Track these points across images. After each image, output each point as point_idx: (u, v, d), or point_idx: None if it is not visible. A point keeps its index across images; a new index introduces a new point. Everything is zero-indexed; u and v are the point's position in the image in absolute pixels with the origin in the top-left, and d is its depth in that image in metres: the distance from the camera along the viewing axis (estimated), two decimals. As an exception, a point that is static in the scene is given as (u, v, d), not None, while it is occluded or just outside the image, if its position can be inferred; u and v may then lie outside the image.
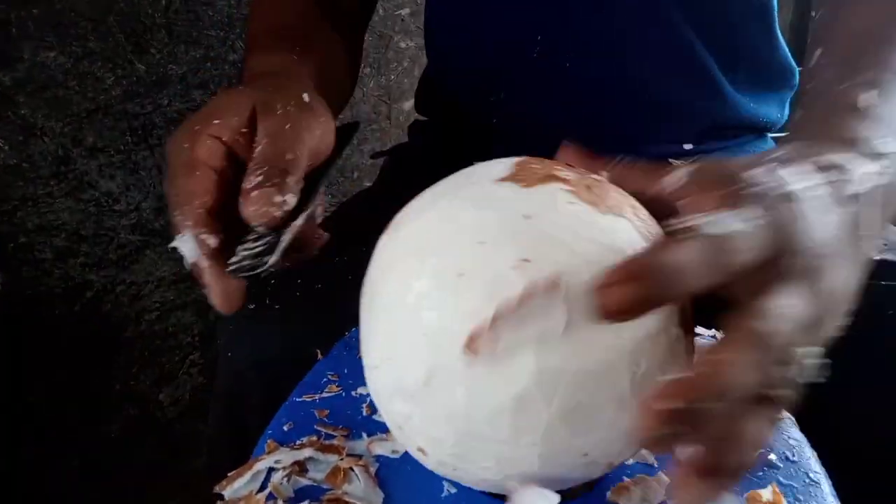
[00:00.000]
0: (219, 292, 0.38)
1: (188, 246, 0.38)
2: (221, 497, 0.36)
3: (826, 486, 0.36)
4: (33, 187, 0.87)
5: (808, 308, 0.29)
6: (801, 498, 0.35)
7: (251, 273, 0.37)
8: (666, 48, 0.66)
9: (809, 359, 0.29)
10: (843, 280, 0.31)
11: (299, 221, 0.38)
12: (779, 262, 0.29)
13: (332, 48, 0.65)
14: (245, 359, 0.55)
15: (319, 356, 0.49)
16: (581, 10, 0.65)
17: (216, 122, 0.40)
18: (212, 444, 0.61)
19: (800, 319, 0.28)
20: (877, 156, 0.36)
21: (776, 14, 0.70)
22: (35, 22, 0.81)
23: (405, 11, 1.09)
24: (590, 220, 0.29)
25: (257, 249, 0.37)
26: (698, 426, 0.25)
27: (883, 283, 0.53)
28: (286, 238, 0.37)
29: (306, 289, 0.57)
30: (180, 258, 0.97)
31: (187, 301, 1.03)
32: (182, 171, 0.39)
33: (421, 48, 1.11)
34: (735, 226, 0.28)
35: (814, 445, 0.40)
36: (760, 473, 0.36)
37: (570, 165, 0.34)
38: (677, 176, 0.33)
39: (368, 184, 0.94)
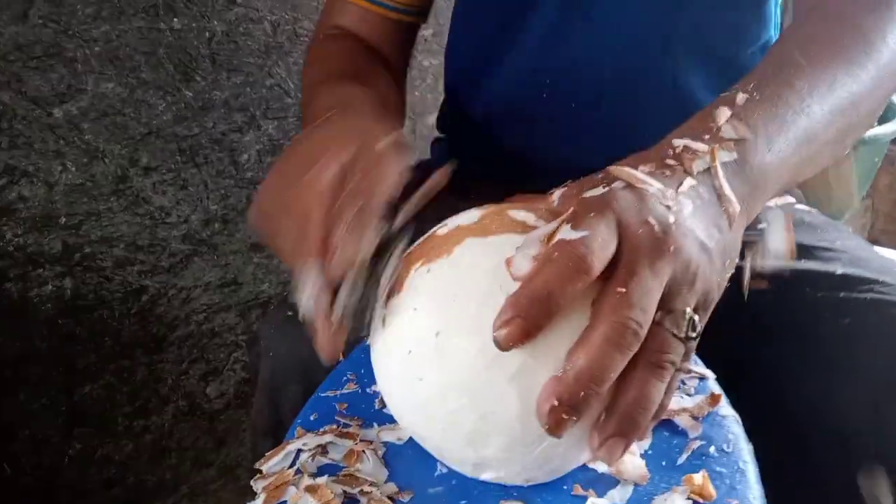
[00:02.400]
0: (328, 343, 0.40)
1: (308, 292, 0.39)
2: (261, 472, 0.44)
3: (752, 475, 0.41)
4: (96, 203, 0.95)
5: (653, 281, 0.34)
6: (729, 482, 0.40)
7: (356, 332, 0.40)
8: (668, 94, 0.71)
9: (676, 322, 0.34)
10: (689, 247, 0.36)
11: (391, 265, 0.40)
12: (619, 252, 0.34)
13: (386, 83, 0.71)
14: (283, 358, 0.62)
15: (341, 358, 0.57)
16: (587, 59, 0.70)
17: (323, 169, 0.43)
18: (255, 430, 0.69)
19: (647, 292, 0.33)
20: (728, 139, 0.42)
21: None
22: (96, 57, 0.90)
23: (428, 32, 1.17)
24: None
25: (354, 299, 0.39)
26: (581, 411, 0.32)
27: (841, 294, 0.59)
28: (383, 283, 0.39)
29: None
30: (225, 265, 1.08)
31: (231, 304, 1.12)
32: (309, 223, 0.41)
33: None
34: (579, 234, 0.34)
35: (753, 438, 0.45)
36: (698, 462, 0.42)
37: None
38: (555, 196, 0.40)
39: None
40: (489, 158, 0.80)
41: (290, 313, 0.64)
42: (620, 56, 0.69)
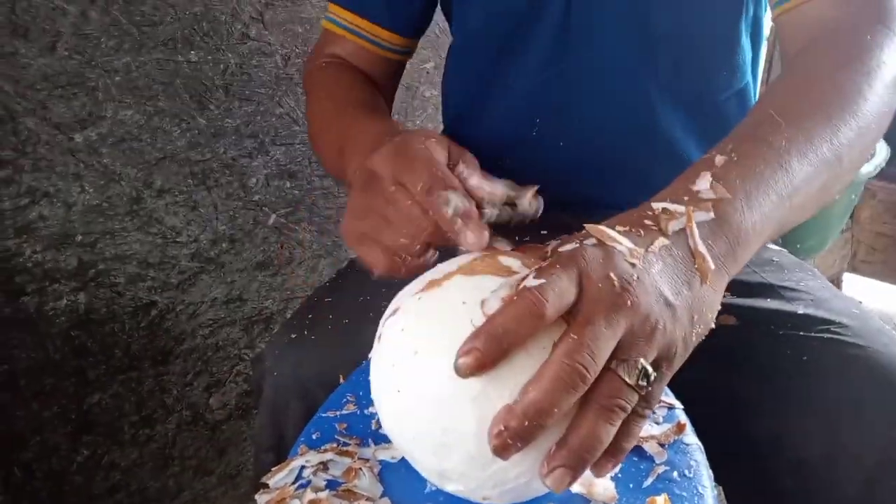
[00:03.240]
0: (475, 230, 0.47)
1: (458, 200, 0.47)
2: (266, 486, 0.49)
3: (710, 499, 0.46)
4: (111, 223, 0.99)
5: (606, 330, 0.36)
6: None
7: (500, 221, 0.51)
8: (650, 134, 0.75)
9: (628, 370, 0.37)
10: (649, 302, 0.38)
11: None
12: (579, 303, 0.38)
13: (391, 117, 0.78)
14: (286, 378, 0.65)
15: (341, 380, 0.62)
16: (573, 101, 0.75)
17: (439, 143, 0.52)
18: (257, 445, 0.73)
19: (598, 339, 0.36)
20: (708, 200, 0.44)
21: (753, 99, 0.78)
22: (116, 87, 0.95)
23: (430, 65, 1.22)
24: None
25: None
26: (525, 439, 0.36)
27: (801, 332, 0.64)
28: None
29: (335, 322, 0.67)
30: (231, 282, 1.14)
31: (236, 319, 1.17)
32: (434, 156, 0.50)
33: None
34: (540, 282, 0.37)
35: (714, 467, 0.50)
36: (661, 485, 0.46)
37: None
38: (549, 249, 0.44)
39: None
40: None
41: (293, 336, 0.67)
42: (604, 99, 0.74)
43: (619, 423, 0.38)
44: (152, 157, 1.01)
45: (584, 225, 0.42)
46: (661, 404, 0.56)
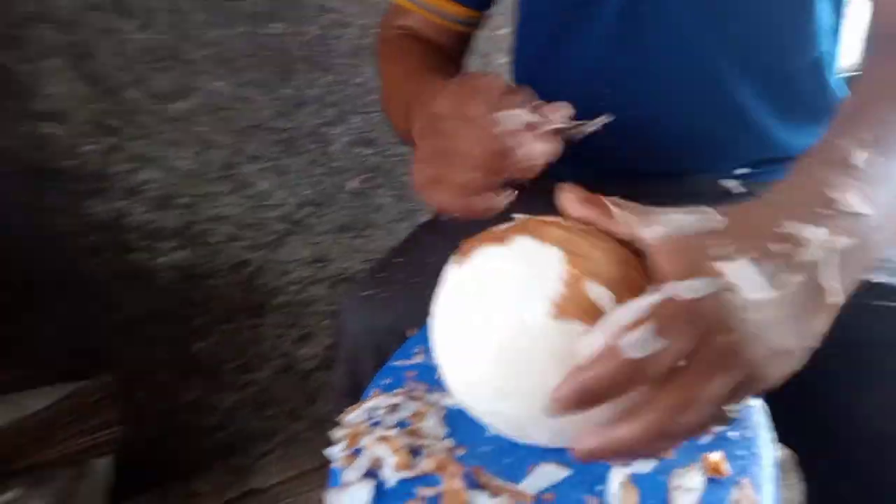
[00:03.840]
0: (544, 139, 0.49)
1: (523, 114, 0.47)
2: (340, 424, 0.54)
3: (768, 459, 0.44)
4: (208, 186, 1.07)
5: (720, 390, 0.34)
6: (743, 464, 0.44)
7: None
8: (721, 102, 0.73)
9: (721, 411, 0.35)
10: (766, 360, 0.35)
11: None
12: (697, 351, 0.34)
13: None
14: (360, 331, 0.69)
15: (408, 334, 0.66)
16: (643, 67, 0.74)
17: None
18: (337, 392, 0.76)
19: (710, 400, 0.34)
20: (852, 216, 0.38)
21: (832, 67, 0.75)
22: (208, 59, 1.01)
23: (504, 31, 1.23)
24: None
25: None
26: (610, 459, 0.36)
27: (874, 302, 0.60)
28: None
29: (406, 282, 0.70)
30: (316, 244, 1.20)
31: (322, 277, 1.24)
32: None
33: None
34: (653, 345, 0.34)
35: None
36: (718, 444, 0.45)
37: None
38: (651, 234, 0.40)
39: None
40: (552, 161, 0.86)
41: (367, 293, 0.72)
42: (675, 65, 0.73)
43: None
44: (242, 125, 1.07)
45: (713, 263, 0.36)
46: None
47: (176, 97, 1.02)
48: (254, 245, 1.15)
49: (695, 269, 0.36)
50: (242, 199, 1.12)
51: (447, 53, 0.84)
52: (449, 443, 0.50)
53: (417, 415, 0.54)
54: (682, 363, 0.34)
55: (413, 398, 0.56)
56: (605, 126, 0.79)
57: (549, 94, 0.81)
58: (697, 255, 0.37)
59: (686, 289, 0.36)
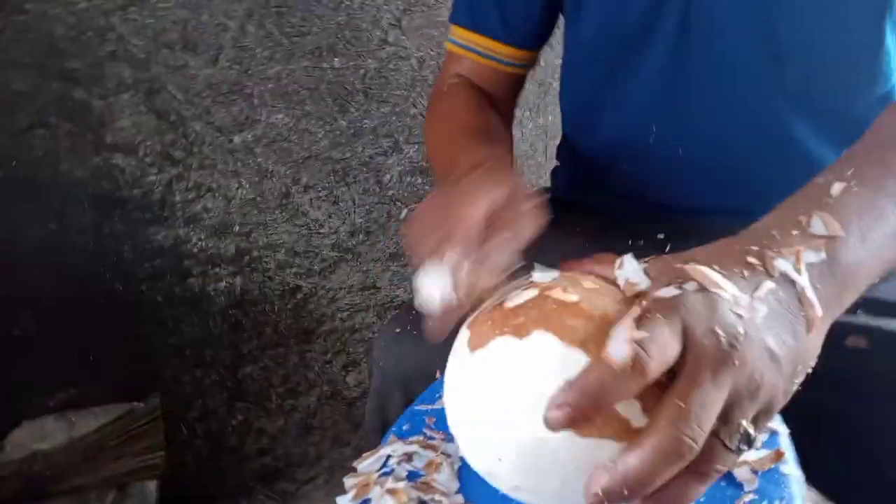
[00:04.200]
0: (439, 325, 0.45)
1: (441, 279, 0.43)
2: (355, 469, 0.54)
3: None
4: (264, 215, 1.11)
5: (715, 393, 0.33)
6: None
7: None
8: (777, 143, 0.70)
9: (730, 434, 0.34)
10: (756, 358, 0.34)
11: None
12: (683, 360, 0.34)
13: (504, 132, 0.79)
14: (390, 369, 0.69)
15: (438, 375, 0.65)
16: (692, 108, 0.72)
17: (484, 196, 0.48)
18: (365, 429, 0.76)
19: (707, 406, 0.33)
20: (818, 237, 0.40)
21: None
22: (269, 92, 1.05)
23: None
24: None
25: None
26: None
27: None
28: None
29: None
30: (366, 271, 1.21)
31: (370, 304, 1.25)
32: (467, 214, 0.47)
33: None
34: (643, 335, 0.33)
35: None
36: None
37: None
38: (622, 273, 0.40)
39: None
40: (600, 194, 0.84)
41: (398, 330, 0.72)
42: (725, 107, 0.70)
43: (710, 483, 0.36)
44: (299, 155, 1.11)
45: (684, 266, 0.38)
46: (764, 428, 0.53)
47: (238, 130, 1.06)
48: (305, 272, 1.18)
49: (672, 279, 0.37)
50: (296, 227, 1.15)
51: (499, 100, 0.84)
52: (459, 498, 0.49)
53: (431, 465, 0.53)
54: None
55: (429, 447, 0.55)
56: (654, 165, 0.78)
57: (597, 134, 0.81)
58: (674, 272, 0.38)
59: (664, 292, 0.37)
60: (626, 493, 0.33)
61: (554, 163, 0.92)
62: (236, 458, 1.21)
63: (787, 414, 0.51)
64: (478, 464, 0.43)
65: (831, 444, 0.61)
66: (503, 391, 0.40)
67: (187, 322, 1.10)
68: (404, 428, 0.58)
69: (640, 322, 0.35)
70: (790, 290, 0.38)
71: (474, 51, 0.82)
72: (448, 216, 0.47)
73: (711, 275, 0.37)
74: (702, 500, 0.45)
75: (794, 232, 0.40)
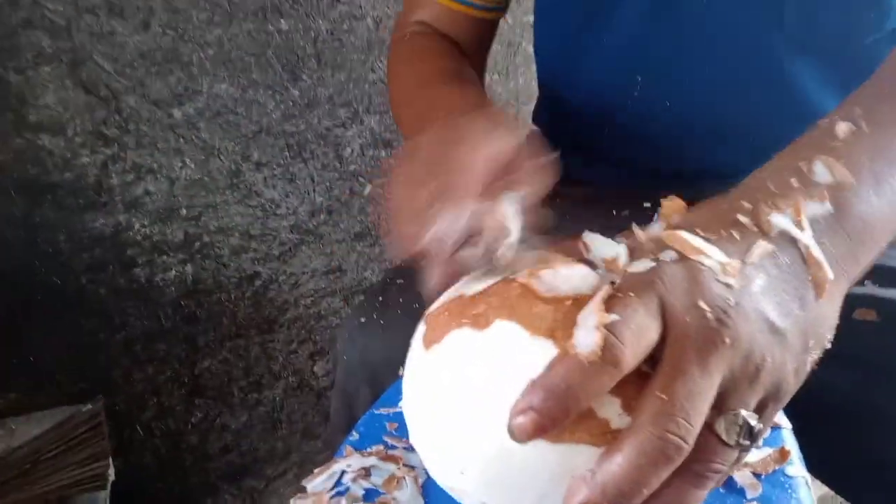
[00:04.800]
0: (433, 275, 0.39)
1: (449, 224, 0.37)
2: (304, 489, 0.47)
3: None
4: (213, 196, 1.02)
5: (702, 381, 0.28)
6: None
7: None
8: (775, 89, 0.65)
9: (727, 426, 0.29)
10: (752, 334, 0.30)
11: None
12: (663, 344, 0.30)
13: (477, 82, 0.69)
14: (355, 362, 0.64)
15: (401, 373, 0.58)
16: (680, 54, 0.66)
17: (496, 141, 0.41)
18: (331, 427, 0.73)
19: (694, 397, 0.28)
20: (823, 185, 0.34)
21: None
22: (210, 60, 0.96)
23: (531, 18, 1.14)
24: None
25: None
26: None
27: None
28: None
29: (406, 306, 0.64)
30: (330, 253, 1.13)
31: (336, 289, 1.18)
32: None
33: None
34: (613, 318, 0.29)
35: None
36: None
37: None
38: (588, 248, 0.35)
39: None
40: (579, 159, 0.77)
41: (363, 319, 0.66)
42: (718, 47, 0.64)
43: (711, 486, 0.30)
44: (249, 130, 1.02)
45: (661, 234, 0.33)
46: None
47: (177, 103, 0.96)
48: (263, 257, 1.10)
49: (649, 251, 0.32)
50: (250, 209, 1.06)
51: (468, 51, 0.76)
52: (424, 519, 0.44)
53: (391, 481, 0.47)
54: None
55: (389, 458, 0.49)
56: (640, 121, 0.71)
57: (576, 88, 0.74)
58: (652, 242, 0.33)
59: (636, 266, 0.32)
60: None
61: (526, 129, 0.84)
62: (198, 458, 1.14)
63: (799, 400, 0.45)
64: (440, 478, 0.37)
65: (838, 431, 0.56)
66: (461, 393, 0.34)
67: (135, 315, 1.02)
68: (361, 436, 0.51)
69: (609, 304, 0.30)
70: (792, 250, 0.32)
71: None
72: (445, 168, 0.40)
73: (692, 240, 0.31)
74: (702, 510, 0.40)
75: (794, 181, 0.34)
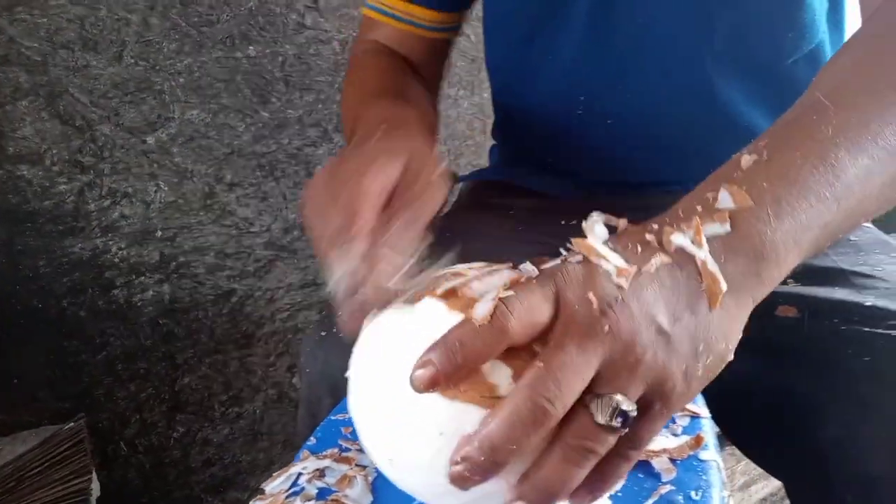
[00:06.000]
0: (350, 322, 0.42)
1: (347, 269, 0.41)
2: (262, 491, 0.51)
3: None
4: (187, 218, 1.05)
5: (578, 358, 0.32)
6: None
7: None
8: (707, 107, 0.68)
9: (600, 408, 0.32)
10: (633, 330, 0.33)
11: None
12: (552, 326, 0.33)
13: (423, 99, 0.73)
14: (317, 374, 0.66)
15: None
16: (618, 75, 0.69)
17: (379, 172, 0.44)
18: (297, 433, 0.75)
19: (567, 369, 0.31)
20: (723, 210, 0.37)
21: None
22: (181, 87, 0.99)
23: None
24: None
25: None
26: (484, 474, 0.32)
27: (865, 329, 0.56)
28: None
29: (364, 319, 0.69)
30: (304, 268, 1.16)
31: (312, 302, 1.21)
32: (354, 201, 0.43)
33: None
34: (508, 294, 0.33)
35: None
36: None
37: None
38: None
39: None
40: (532, 171, 0.81)
41: (323, 333, 0.69)
42: (653, 67, 0.68)
43: (589, 466, 0.34)
44: (220, 152, 1.06)
45: (571, 240, 0.37)
46: (684, 413, 0.51)
47: (151, 129, 1.00)
48: (239, 274, 1.13)
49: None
50: (224, 228, 1.10)
51: (421, 68, 0.79)
52: (371, 513, 0.46)
53: (343, 480, 0.50)
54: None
55: (343, 460, 0.52)
56: (585, 136, 0.75)
57: (527, 104, 0.78)
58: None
59: (547, 265, 0.37)
60: (485, 461, 0.32)
61: (492, 142, 0.89)
62: (182, 471, 1.17)
63: (719, 389, 0.49)
64: (364, 443, 0.41)
65: (765, 418, 0.59)
66: (382, 356, 0.39)
67: (116, 335, 1.05)
68: (318, 441, 0.55)
69: (511, 287, 0.34)
70: (689, 265, 0.35)
71: (391, 15, 0.77)
72: (344, 194, 0.44)
73: (598, 247, 0.36)
74: (619, 494, 0.44)
75: (699, 207, 0.37)
